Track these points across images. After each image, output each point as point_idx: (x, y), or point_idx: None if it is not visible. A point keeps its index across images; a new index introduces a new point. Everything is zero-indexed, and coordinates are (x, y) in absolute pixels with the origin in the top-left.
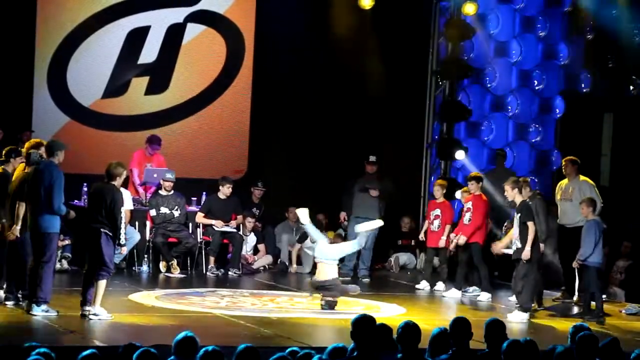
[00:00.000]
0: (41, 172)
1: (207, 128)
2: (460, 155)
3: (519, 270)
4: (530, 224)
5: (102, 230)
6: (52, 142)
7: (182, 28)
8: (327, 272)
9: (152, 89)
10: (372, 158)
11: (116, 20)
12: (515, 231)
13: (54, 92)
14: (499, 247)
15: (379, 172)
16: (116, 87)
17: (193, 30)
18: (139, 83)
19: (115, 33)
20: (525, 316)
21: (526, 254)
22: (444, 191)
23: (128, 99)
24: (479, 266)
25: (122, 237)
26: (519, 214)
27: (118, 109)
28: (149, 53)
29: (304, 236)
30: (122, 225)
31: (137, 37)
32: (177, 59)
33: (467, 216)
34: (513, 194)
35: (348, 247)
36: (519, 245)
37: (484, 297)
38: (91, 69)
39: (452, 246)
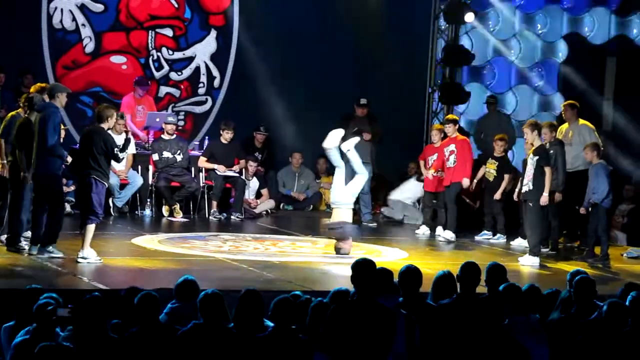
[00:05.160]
0: (42, 115)
1: None
2: (469, 17)
3: (529, 214)
4: (547, 169)
5: (91, 175)
6: (53, 85)
7: None
8: (340, 216)
9: None
10: (363, 101)
11: None
12: (528, 173)
13: None
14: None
15: (369, 115)
16: None
17: None
18: None
19: None
20: (536, 260)
21: (544, 199)
22: (442, 135)
23: None
24: (450, 205)
25: (120, 153)
26: (536, 157)
27: None
28: None
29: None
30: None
31: None
32: None
33: (451, 159)
34: (532, 137)
35: (356, 185)
36: (531, 187)
37: (448, 235)
38: None
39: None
